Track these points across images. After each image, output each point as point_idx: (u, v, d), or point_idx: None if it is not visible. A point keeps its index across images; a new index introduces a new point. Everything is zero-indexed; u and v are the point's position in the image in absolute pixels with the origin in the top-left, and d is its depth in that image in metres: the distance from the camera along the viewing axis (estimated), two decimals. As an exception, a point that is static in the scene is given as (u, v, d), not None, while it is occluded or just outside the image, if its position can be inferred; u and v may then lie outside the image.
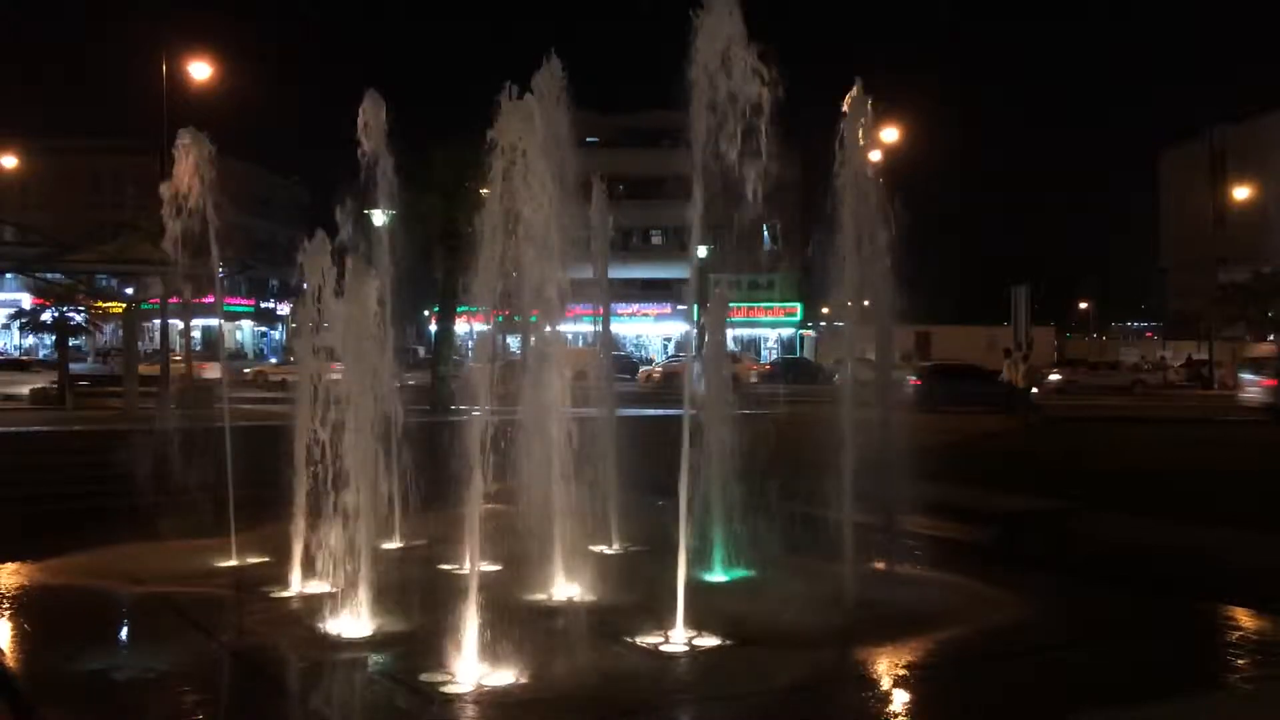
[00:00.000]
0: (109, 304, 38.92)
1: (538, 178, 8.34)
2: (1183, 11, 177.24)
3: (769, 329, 78.13)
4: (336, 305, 9.65)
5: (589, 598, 9.95)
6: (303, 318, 10.25)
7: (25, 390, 31.85)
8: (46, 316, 38.14)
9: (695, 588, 9.04)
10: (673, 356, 64.37)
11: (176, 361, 29.28)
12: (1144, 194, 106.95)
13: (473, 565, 7.80)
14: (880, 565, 10.97)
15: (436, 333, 28.89)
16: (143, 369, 29.17)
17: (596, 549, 11.79)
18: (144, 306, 31.08)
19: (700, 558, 10.31)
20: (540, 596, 9.84)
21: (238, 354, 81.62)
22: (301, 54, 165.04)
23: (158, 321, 32.69)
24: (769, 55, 8.35)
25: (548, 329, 9.96)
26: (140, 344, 33.86)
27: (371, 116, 12.79)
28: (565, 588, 10.02)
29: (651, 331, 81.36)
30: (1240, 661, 8.57)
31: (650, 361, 66.25)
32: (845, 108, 10.17)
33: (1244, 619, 9.64)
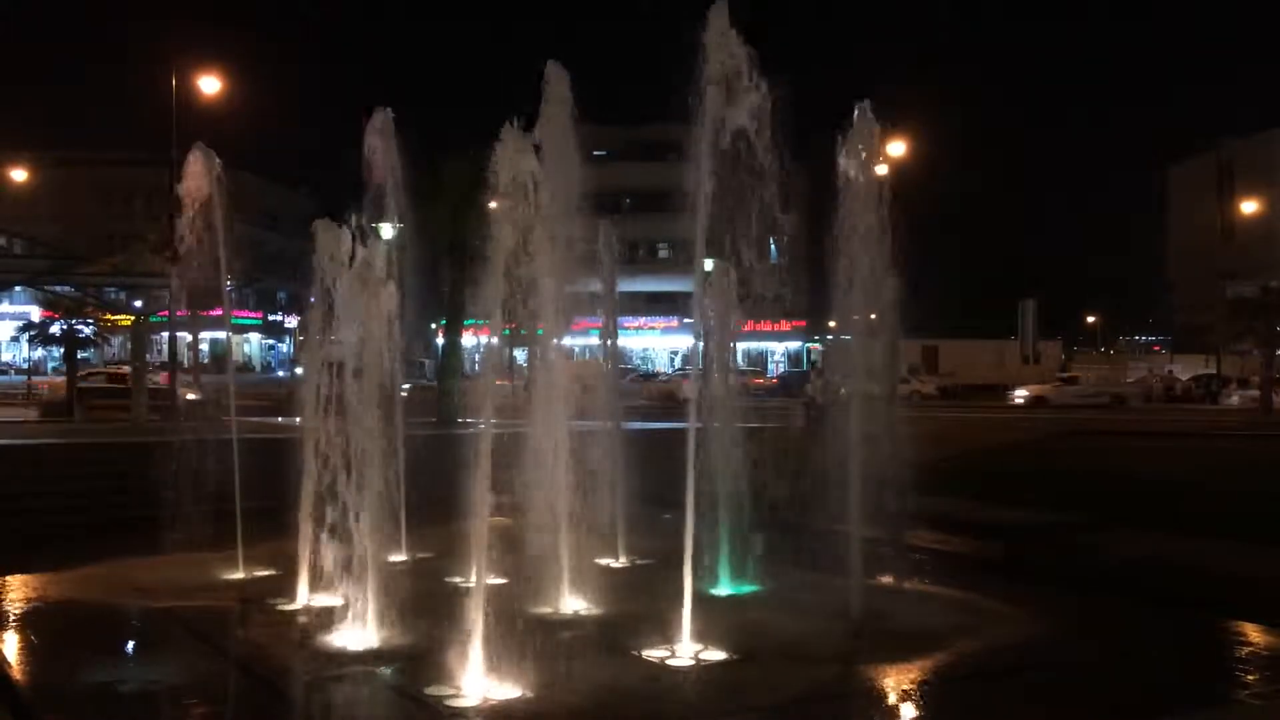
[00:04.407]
0: (117, 316, 39.04)
1: (544, 223, 8.39)
2: (1185, 12, 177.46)
3: (775, 342, 78.13)
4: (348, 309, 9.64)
5: (595, 611, 9.95)
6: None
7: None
8: (55, 329, 38.31)
9: (701, 601, 9.02)
10: (679, 370, 64.35)
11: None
12: (1150, 205, 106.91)
13: (479, 578, 7.79)
14: (887, 579, 10.92)
15: (443, 346, 28.88)
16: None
17: (603, 562, 11.79)
18: (152, 319, 31.21)
19: (706, 571, 10.29)
20: (547, 610, 9.83)
21: (245, 367, 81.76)
22: (301, 55, 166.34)
23: (165, 334, 32.76)
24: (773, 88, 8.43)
25: (554, 343, 9.98)
26: (149, 356, 33.97)
27: (379, 133, 12.85)
28: (572, 601, 10.01)
29: (658, 344, 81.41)
30: (1249, 677, 8.52)
31: (656, 375, 66.26)
32: (851, 123, 10.17)
33: (1253, 633, 9.61)
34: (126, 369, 40.40)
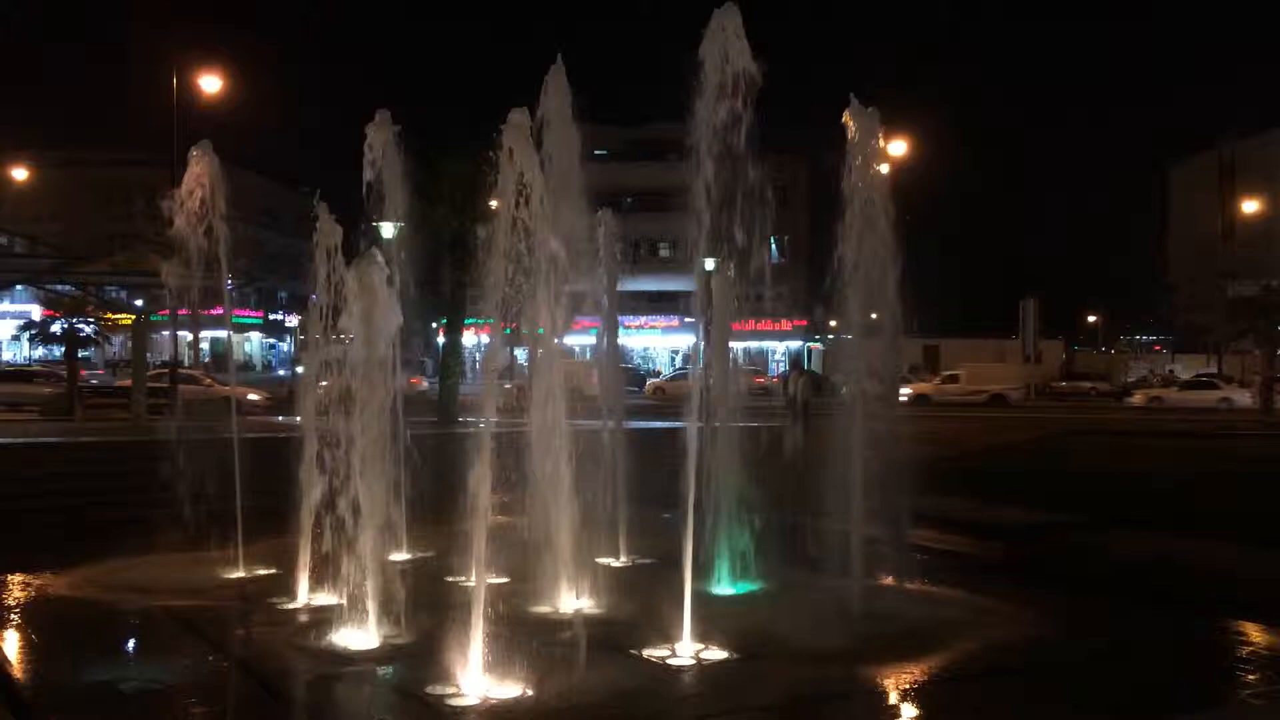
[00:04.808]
0: (118, 315, 39.05)
1: (543, 215, 8.38)
2: (1185, 12, 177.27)
3: (776, 341, 78.07)
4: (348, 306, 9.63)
5: (596, 610, 9.94)
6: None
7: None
8: (56, 328, 38.32)
9: (702, 601, 9.02)
10: (679, 369, 64.38)
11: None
12: (1150, 205, 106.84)
13: (480, 578, 7.79)
14: (888, 579, 10.91)
15: (444, 345, 28.91)
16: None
17: (604, 561, 11.79)
18: (154, 318, 31.20)
19: (707, 570, 10.29)
20: (547, 609, 9.83)
21: (246, 365, 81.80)
22: (301, 55, 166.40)
23: (166, 333, 32.76)
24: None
25: (554, 342, 9.95)
26: (150, 355, 33.98)
27: (379, 134, 12.82)
28: (572, 600, 10.01)
29: (659, 344, 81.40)
30: (1250, 677, 8.52)
31: (657, 374, 66.34)
32: (849, 123, 10.15)
33: (1254, 633, 9.60)
34: (197, 371, 40.50)
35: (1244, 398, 52.19)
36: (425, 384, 50.16)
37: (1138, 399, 53.22)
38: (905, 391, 53.21)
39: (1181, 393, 52.91)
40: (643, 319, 76.85)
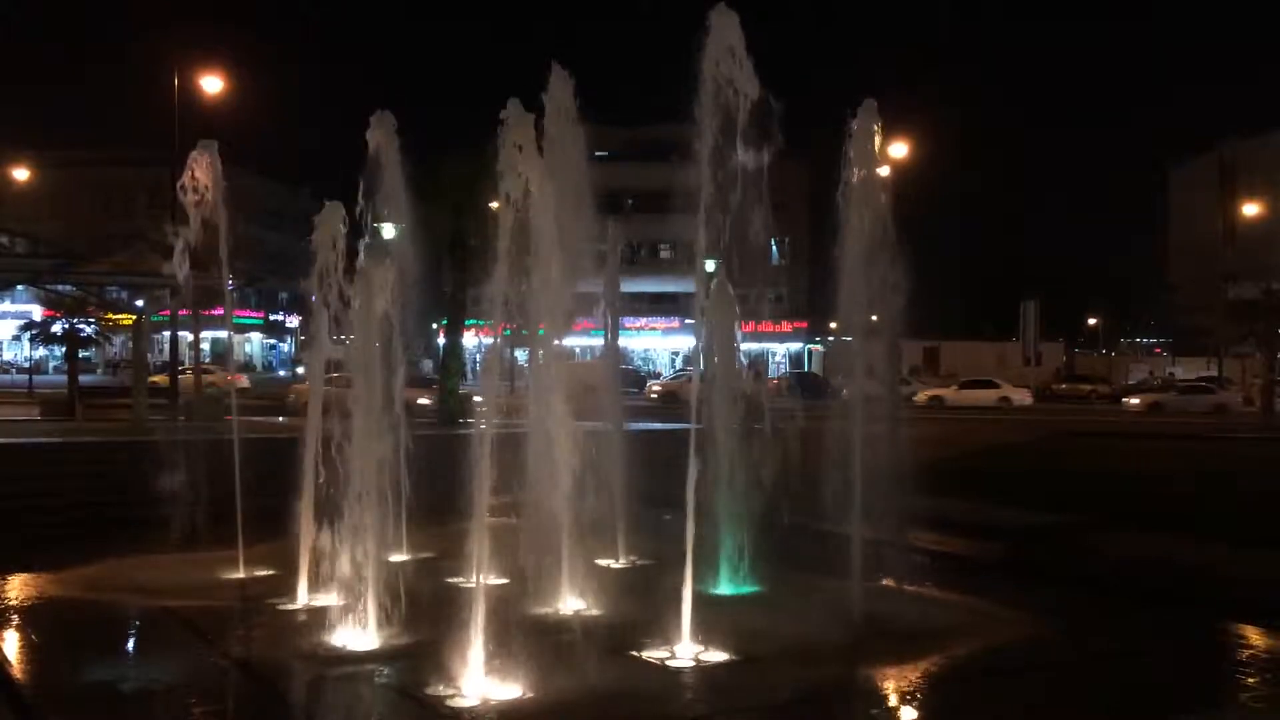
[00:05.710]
0: (119, 315, 39.04)
1: (544, 216, 8.39)
2: (1185, 12, 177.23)
3: (777, 343, 78.07)
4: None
5: (595, 611, 9.94)
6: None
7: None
8: (57, 328, 38.34)
9: (702, 602, 9.00)
10: (679, 370, 64.38)
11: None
12: (1150, 205, 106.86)
13: (479, 578, 7.79)
14: (887, 580, 10.89)
15: (444, 346, 28.88)
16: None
17: (603, 562, 11.79)
18: (154, 318, 31.17)
19: (707, 572, 10.28)
20: (547, 610, 9.82)
21: (246, 366, 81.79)
22: (301, 55, 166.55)
23: (167, 333, 32.77)
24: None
25: (555, 343, 9.96)
26: (150, 355, 33.99)
27: (379, 132, 12.82)
28: (572, 601, 10.01)
29: (659, 345, 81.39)
30: (1250, 679, 8.52)
31: (658, 375, 66.35)
32: (852, 122, 10.14)
33: (1253, 635, 9.60)
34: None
35: (1024, 397, 53.89)
36: (245, 380, 48.43)
37: (921, 398, 53.28)
38: (656, 388, 53.80)
39: (960, 392, 53.89)
40: (643, 320, 76.85)
